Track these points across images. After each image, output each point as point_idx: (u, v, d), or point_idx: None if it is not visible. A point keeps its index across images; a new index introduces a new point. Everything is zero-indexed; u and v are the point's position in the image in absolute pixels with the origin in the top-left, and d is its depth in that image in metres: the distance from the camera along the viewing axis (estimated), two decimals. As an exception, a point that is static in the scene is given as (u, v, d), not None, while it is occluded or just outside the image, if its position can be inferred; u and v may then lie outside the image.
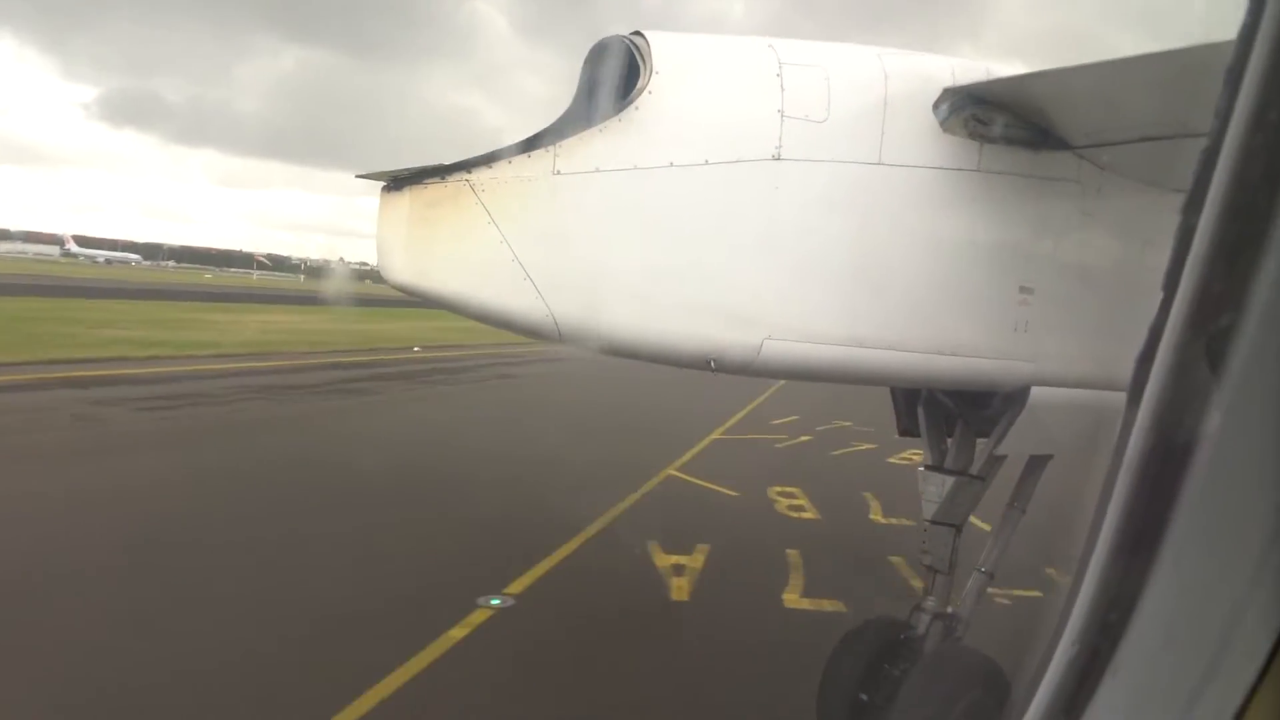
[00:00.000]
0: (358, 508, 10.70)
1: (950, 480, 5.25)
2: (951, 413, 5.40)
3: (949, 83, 4.16)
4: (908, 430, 5.74)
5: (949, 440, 5.47)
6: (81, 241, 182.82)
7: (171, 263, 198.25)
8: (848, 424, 20.04)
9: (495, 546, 9.61)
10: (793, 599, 8.49)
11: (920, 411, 5.55)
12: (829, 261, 4.09)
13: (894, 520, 11.76)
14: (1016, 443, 4.86)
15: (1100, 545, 1.11)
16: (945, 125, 4.17)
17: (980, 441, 5.27)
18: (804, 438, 18.42)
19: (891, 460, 16.02)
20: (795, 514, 12.03)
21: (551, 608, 7.90)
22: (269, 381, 22.31)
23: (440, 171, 3.81)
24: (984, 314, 4.37)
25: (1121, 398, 1.12)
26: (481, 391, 25.42)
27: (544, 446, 14.81)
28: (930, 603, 5.33)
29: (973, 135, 4.20)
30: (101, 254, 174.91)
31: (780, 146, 3.92)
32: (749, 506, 12.41)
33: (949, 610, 5.33)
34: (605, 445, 15.46)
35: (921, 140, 4.15)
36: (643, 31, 3.97)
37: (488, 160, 3.79)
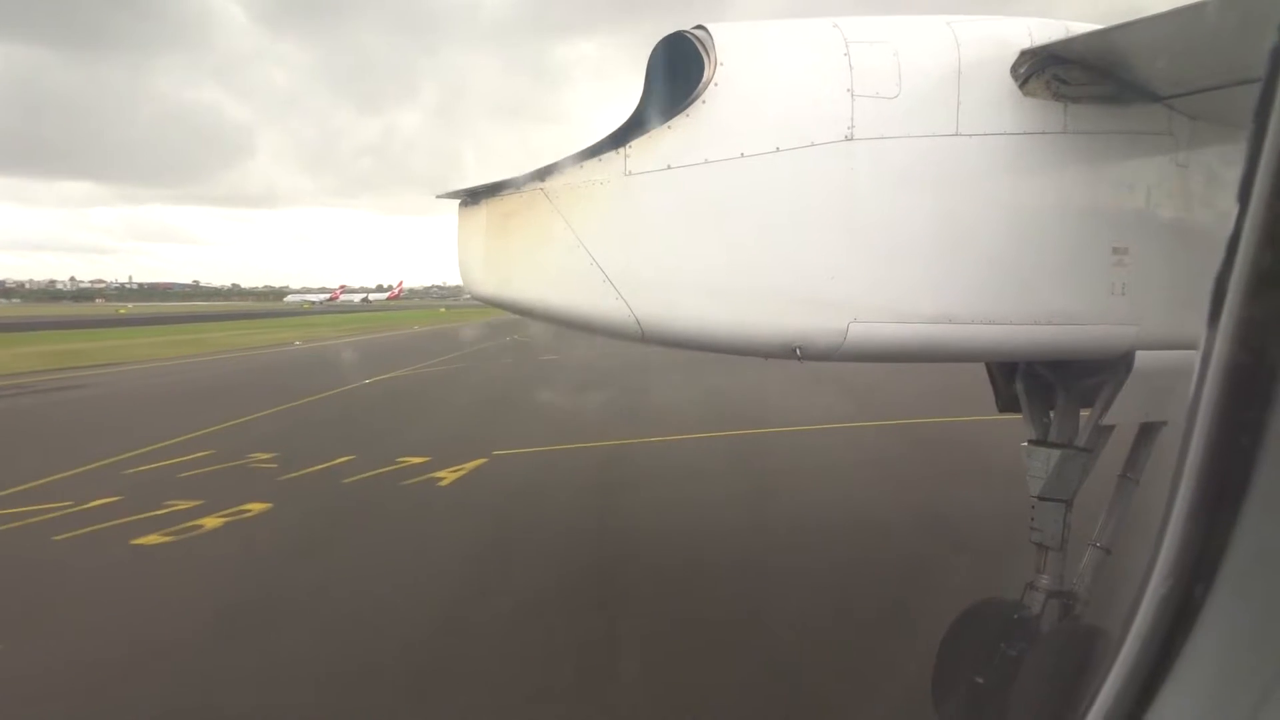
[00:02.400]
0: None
1: (1056, 454, 5.08)
2: (1051, 384, 5.22)
3: (1026, 44, 4.03)
4: (1008, 406, 5.57)
5: (1051, 413, 5.29)
6: None
7: None
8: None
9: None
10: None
11: (1019, 385, 5.39)
12: (912, 239, 4.01)
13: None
14: (1124, 411, 4.67)
15: (1177, 512, 1.07)
16: (1026, 89, 4.05)
17: (1085, 412, 5.09)
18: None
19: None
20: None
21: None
22: None
23: (515, 182, 3.88)
24: (1078, 279, 4.22)
25: None
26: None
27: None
28: (1044, 581, 5.17)
29: (1056, 96, 4.07)
30: None
31: (853, 127, 3.86)
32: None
33: (1065, 589, 5.15)
34: None
35: (1001, 106, 4.04)
36: (705, 25, 3.96)
37: (560, 167, 3.85)
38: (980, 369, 5.67)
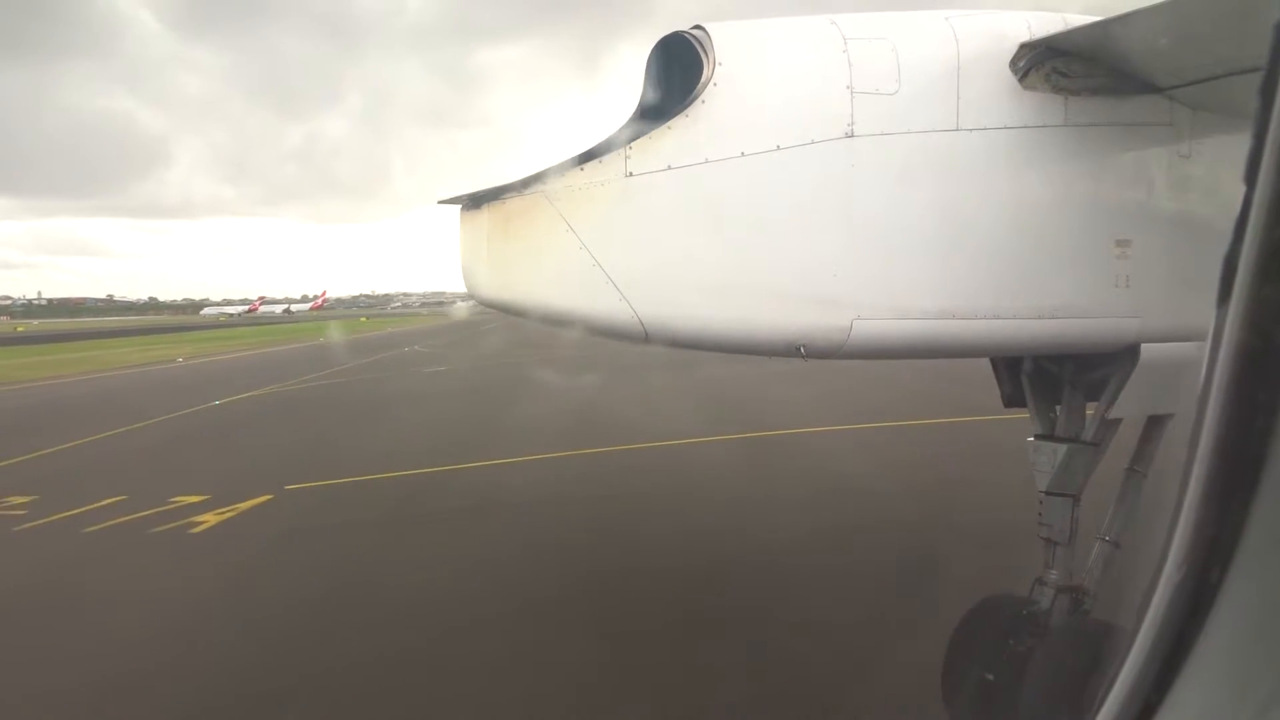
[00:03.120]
0: None
1: (1063, 449, 5.06)
2: (1057, 379, 5.21)
3: (1025, 37, 4.02)
4: (1012, 400, 5.56)
5: (1057, 408, 5.28)
6: None
7: None
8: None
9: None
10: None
11: (1024, 380, 5.37)
12: (914, 235, 4.01)
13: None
14: (1131, 404, 4.65)
15: (1188, 503, 1.06)
16: (1026, 82, 4.04)
17: (1091, 405, 5.07)
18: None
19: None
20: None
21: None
22: None
23: (516, 186, 3.88)
24: (1081, 273, 4.21)
25: None
26: None
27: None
28: (1053, 576, 5.15)
29: (1056, 89, 4.06)
30: None
31: (852, 124, 3.86)
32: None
33: (1074, 583, 5.13)
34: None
35: (1001, 100, 4.03)
36: (703, 24, 3.96)
37: (561, 170, 3.85)
38: (984, 364, 5.66)
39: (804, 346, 4.00)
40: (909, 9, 4.33)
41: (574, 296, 3.93)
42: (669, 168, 3.83)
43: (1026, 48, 4.01)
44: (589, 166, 3.86)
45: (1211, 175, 4.42)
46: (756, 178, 3.87)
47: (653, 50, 4.02)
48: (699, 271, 3.94)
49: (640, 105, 3.97)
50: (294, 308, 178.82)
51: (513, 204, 3.91)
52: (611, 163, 3.84)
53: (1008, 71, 4.04)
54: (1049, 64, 4.03)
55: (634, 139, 3.86)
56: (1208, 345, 1.06)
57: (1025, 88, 4.05)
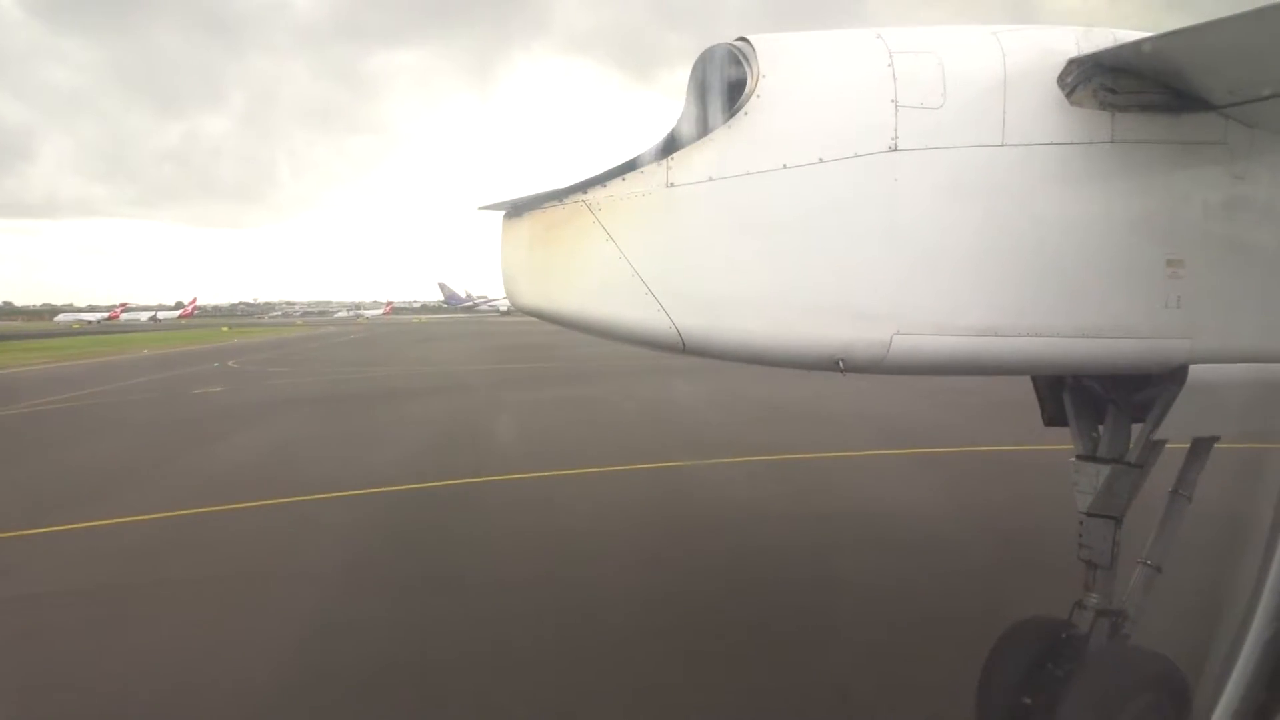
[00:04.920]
0: None
1: (1105, 470, 4.97)
2: (1100, 398, 5.12)
3: (1073, 53, 3.98)
4: (1054, 419, 5.48)
5: (1099, 428, 5.19)
6: None
7: None
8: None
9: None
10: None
11: (1066, 398, 5.29)
12: (956, 250, 3.97)
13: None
14: (1177, 426, 4.56)
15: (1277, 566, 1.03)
16: (1073, 98, 3.99)
17: (1136, 426, 4.98)
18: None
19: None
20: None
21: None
22: None
23: (557, 195, 3.91)
24: (1129, 292, 4.14)
25: None
26: None
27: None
28: (1093, 599, 5.06)
29: (1104, 105, 4.01)
30: None
31: (896, 137, 3.84)
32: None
33: (1114, 607, 5.04)
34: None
35: (1048, 116, 3.99)
36: (746, 36, 3.96)
37: (603, 179, 3.87)
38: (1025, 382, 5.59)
39: (843, 361, 3.97)
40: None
41: (613, 307, 3.94)
42: (710, 179, 3.83)
43: (1075, 63, 3.96)
44: (630, 176, 3.87)
45: (1268, 196, 4.34)
46: (798, 190, 3.85)
47: (696, 61, 4.02)
48: (738, 283, 3.93)
49: (683, 116, 3.97)
50: (161, 315, 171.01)
51: (553, 213, 3.93)
52: (653, 173, 3.85)
53: (1055, 87, 3.99)
54: (1097, 80, 3.98)
55: (676, 149, 3.87)
56: None
57: (1073, 104, 4.00)
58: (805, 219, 3.92)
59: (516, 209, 4.06)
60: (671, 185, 3.83)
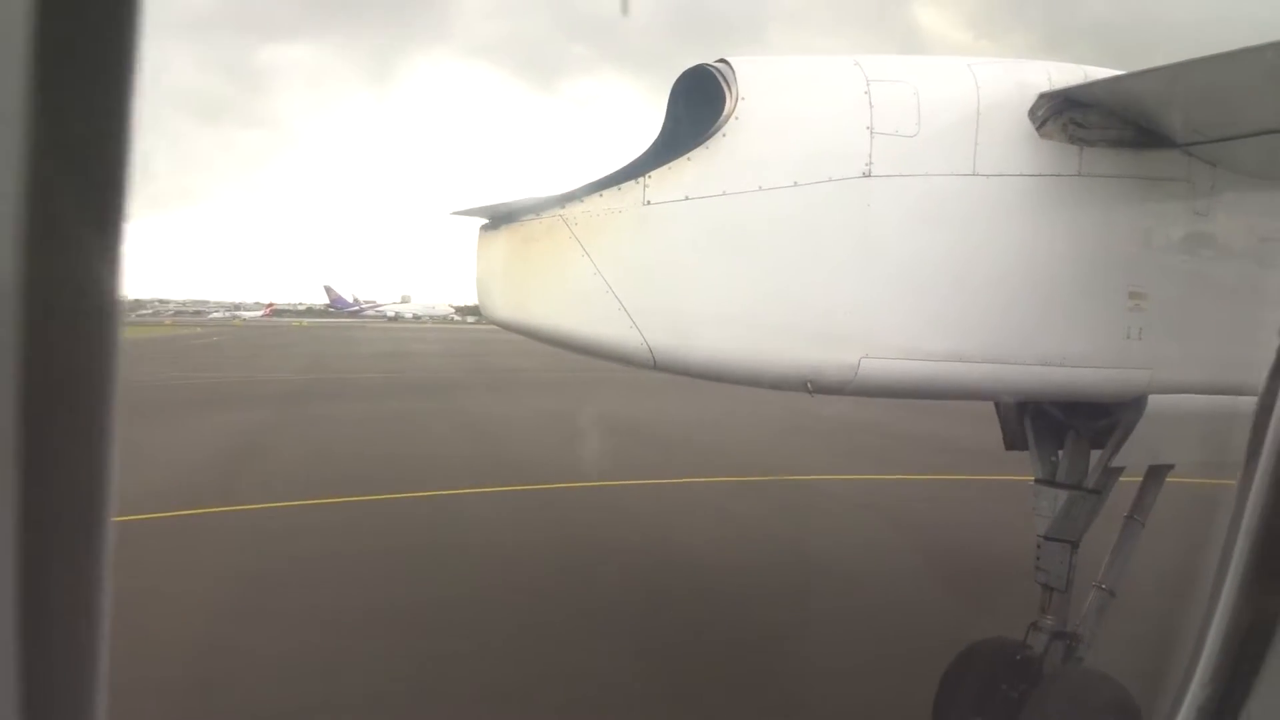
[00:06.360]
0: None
1: (1064, 495, 5.07)
2: (1061, 424, 5.22)
3: (1045, 87, 4.07)
4: (1014, 443, 5.56)
5: (1059, 453, 5.29)
6: None
7: None
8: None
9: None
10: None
11: (1027, 423, 5.38)
12: (926, 276, 4.03)
13: None
14: (1134, 454, 4.67)
15: (1234, 569, 1.07)
16: (1043, 131, 4.08)
17: (1095, 453, 5.08)
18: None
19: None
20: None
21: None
22: None
23: (534, 208, 3.91)
24: (1093, 322, 4.23)
25: (1247, 402, 1.07)
26: None
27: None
28: (1048, 621, 5.14)
29: (1072, 139, 4.10)
30: None
31: (871, 164, 3.89)
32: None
33: (1068, 629, 5.12)
34: None
35: (1018, 148, 4.07)
36: (727, 58, 4.00)
37: (580, 195, 3.87)
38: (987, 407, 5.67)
39: (811, 382, 4.01)
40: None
41: (586, 322, 3.94)
42: (686, 198, 3.86)
43: (1046, 97, 4.05)
44: (607, 193, 3.87)
45: (1228, 232, 4.46)
46: (773, 212, 3.89)
47: (677, 80, 4.05)
48: (710, 302, 3.96)
49: (661, 135, 4.00)
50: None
51: (530, 227, 3.93)
52: (630, 190, 3.86)
53: (1026, 120, 4.08)
54: (1067, 114, 4.07)
55: (653, 168, 3.89)
56: (1244, 447, 1.06)
57: (1042, 136, 4.09)
58: (779, 241, 3.95)
59: (494, 221, 4.06)
60: (648, 203, 3.84)
